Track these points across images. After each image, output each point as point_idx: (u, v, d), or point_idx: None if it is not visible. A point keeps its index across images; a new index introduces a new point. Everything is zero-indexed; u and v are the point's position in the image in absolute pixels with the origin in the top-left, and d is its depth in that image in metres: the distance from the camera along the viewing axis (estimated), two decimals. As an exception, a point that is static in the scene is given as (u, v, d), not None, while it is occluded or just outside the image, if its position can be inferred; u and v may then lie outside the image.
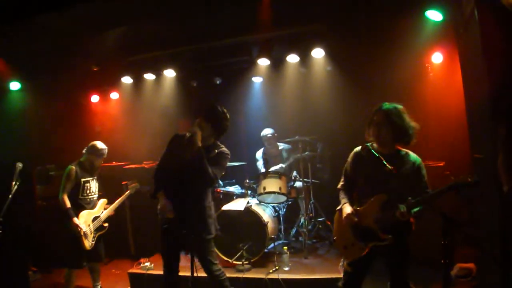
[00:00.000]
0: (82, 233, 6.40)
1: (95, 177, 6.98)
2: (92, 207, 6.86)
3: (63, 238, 6.57)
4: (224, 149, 5.35)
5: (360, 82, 8.50)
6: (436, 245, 3.45)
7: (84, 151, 6.92)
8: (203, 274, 5.29)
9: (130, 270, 7.46)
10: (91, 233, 6.63)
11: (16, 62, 8.57)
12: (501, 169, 4.12)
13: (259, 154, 9.06)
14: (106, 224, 6.97)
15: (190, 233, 4.91)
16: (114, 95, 10.49)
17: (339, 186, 4.96)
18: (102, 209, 6.98)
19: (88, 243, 6.54)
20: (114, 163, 9.55)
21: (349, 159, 4.83)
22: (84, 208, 6.69)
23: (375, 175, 4.45)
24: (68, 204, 6.46)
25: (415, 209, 4.10)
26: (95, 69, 9.35)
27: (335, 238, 4.89)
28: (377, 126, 4.46)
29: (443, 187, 3.88)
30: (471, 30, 5.68)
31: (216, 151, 5.26)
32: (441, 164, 7.22)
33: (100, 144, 6.98)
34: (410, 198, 4.07)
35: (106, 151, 7.07)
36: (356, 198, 4.71)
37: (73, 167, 6.68)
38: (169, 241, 5.21)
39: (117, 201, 7.18)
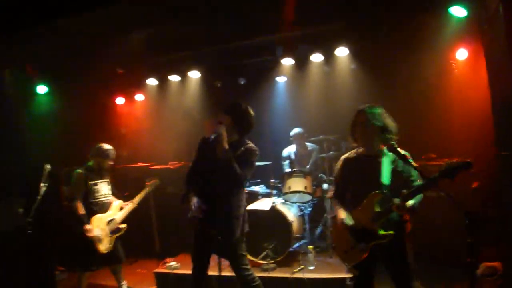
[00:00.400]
0: (95, 238, 6.43)
1: (106, 180, 6.99)
2: (105, 210, 6.85)
3: (77, 240, 6.59)
4: (251, 145, 5.27)
5: (385, 80, 8.46)
6: (461, 244, 3.42)
7: (90, 154, 6.95)
8: (231, 273, 5.29)
9: (156, 270, 7.50)
10: (107, 236, 6.65)
11: (43, 65, 8.70)
12: None
13: (285, 152, 9.09)
14: (123, 226, 6.94)
15: (217, 234, 4.87)
16: (139, 97, 10.55)
17: (330, 195, 5.20)
18: (117, 211, 6.96)
19: (104, 246, 6.57)
20: (139, 164, 9.63)
21: (338, 166, 4.92)
22: (96, 212, 6.68)
23: (368, 176, 4.50)
24: (82, 211, 6.51)
25: (411, 202, 4.16)
26: (120, 72, 9.44)
27: (333, 245, 4.98)
28: (361, 125, 4.59)
29: (435, 175, 3.91)
30: (496, 26, 5.63)
31: (243, 148, 5.17)
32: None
33: (105, 145, 6.98)
34: (404, 190, 4.14)
35: (113, 151, 7.04)
36: (351, 202, 4.69)
37: (80, 171, 6.75)
38: (200, 242, 5.17)
39: (135, 199, 7.14)
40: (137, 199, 7.12)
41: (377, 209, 4.35)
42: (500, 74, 5.65)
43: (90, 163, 6.87)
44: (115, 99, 10.67)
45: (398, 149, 4.20)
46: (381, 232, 4.31)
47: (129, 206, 7.03)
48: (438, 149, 7.44)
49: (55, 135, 8.94)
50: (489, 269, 6.36)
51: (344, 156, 4.90)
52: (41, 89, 9.14)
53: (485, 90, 6.20)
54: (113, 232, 6.75)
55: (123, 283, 7.07)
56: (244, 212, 5.32)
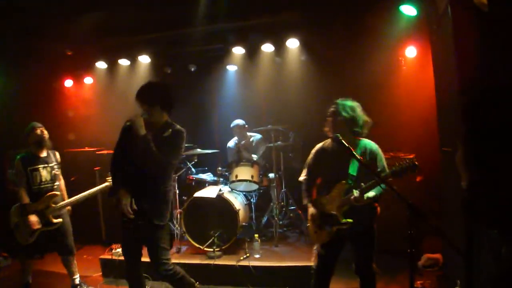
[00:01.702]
0: (13, 227, 6.23)
1: (48, 164, 6.51)
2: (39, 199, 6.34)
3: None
4: (178, 128, 5.01)
5: (334, 73, 8.58)
6: (404, 236, 3.55)
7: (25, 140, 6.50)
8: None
9: (102, 256, 7.47)
10: (27, 227, 6.17)
11: (-12, 45, 8.47)
12: (459, 165, 4.27)
13: (230, 144, 9.11)
14: (57, 221, 6.36)
15: (142, 219, 4.84)
16: (88, 80, 10.40)
17: (301, 178, 5.27)
18: (46, 203, 6.31)
19: (23, 238, 6.23)
20: (86, 149, 9.51)
21: (312, 154, 5.21)
22: (32, 201, 6.25)
23: (338, 166, 4.77)
24: (25, 200, 6.20)
25: (370, 194, 4.50)
26: (69, 53, 9.28)
27: (308, 224, 5.11)
28: (331, 116, 4.86)
29: (387, 173, 4.40)
30: (444, 27, 5.76)
31: (170, 130, 4.96)
32: (411, 156, 7.34)
33: (33, 123, 6.49)
34: (362, 183, 4.49)
35: (35, 123, 6.47)
36: (322, 187, 4.94)
37: (18, 157, 6.39)
38: (129, 234, 5.00)
39: (88, 191, 6.65)
40: (85, 194, 6.61)
41: (343, 198, 4.66)
42: (445, 74, 5.80)
43: (30, 147, 6.46)
44: (63, 81, 10.47)
45: (343, 141, 4.33)
46: (342, 219, 4.62)
47: (66, 202, 6.55)
48: (384, 144, 7.60)
49: (1, 116, 8.71)
50: (430, 260, 6.59)
51: (319, 145, 5.15)
52: (-14, 69, 8.89)
53: (432, 88, 6.37)
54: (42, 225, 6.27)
55: (75, 276, 6.72)
56: (172, 198, 5.20)
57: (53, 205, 6.38)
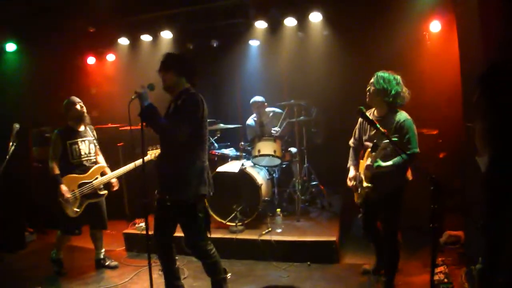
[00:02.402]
0: (61, 200, 6.19)
1: (87, 138, 6.58)
2: (84, 171, 6.46)
3: (56, 202, 6.33)
4: (190, 94, 4.86)
5: (357, 47, 8.52)
6: (427, 212, 3.53)
7: (64, 115, 6.55)
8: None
9: (125, 231, 7.58)
10: (76, 200, 6.30)
11: (12, 23, 8.49)
12: (478, 140, 4.25)
13: (249, 121, 9.11)
14: (103, 192, 6.57)
15: (168, 200, 4.84)
16: (111, 57, 10.44)
17: (350, 142, 5.64)
18: (96, 175, 6.50)
19: (72, 211, 6.27)
20: (110, 125, 9.58)
21: (358, 121, 5.42)
22: (74, 172, 6.36)
23: (371, 135, 5.09)
24: (56, 171, 6.24)
25: (381, 163, 4.82)
26: (91, 30, 9.29)
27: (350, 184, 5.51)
28: (368, 88, 5.04)
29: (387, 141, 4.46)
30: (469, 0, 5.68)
31: (183, 97, 4.84)
32: (435, 133, 7.28)
33: (70, 98, 6.53)
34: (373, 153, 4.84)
35: (74, 98, 6.51)
36: (363, 153, 5.25)
37: (56, 131, 6.44)
38: (159, 211, 5.01)
39: (128, 166, 6.57)
40: (126, 168, 6.60)
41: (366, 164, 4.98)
42: (471, 48, 5.71)
43: (69, 122, 6.50)
44: (86, 59, 10.51)
45: (365, 113, 4.60)
46: (364, 183, 5.06)
47: (111, 174, 6.61)
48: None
49: (25, 94, 8.77)
50: (452, 238, 6.54)
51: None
52: (10, 47, 8.92)
53: (456, 63, 6.28)
54: (85, 196, 6.37)
55: (101, 250, 6.87)
56: (201, 174, 4.91)
57: (101, 177, 6.53)
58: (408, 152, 4.64)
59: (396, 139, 4.44)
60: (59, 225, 6.56)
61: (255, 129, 8.78)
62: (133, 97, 4.70)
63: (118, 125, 9.41)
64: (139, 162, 6.05)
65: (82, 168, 6.45)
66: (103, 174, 6.63)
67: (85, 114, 6.59)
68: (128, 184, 8.77)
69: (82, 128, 6.58)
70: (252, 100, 8.78)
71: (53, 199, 6.32)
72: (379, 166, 4.81)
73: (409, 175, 5.03)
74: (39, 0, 7.75)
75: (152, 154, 6.24)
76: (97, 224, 6.69)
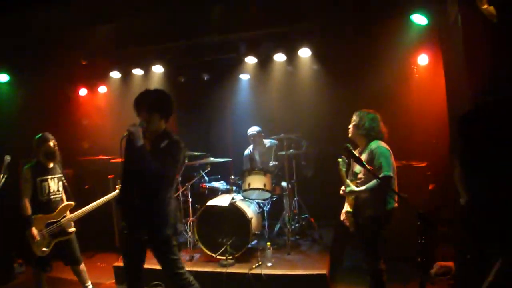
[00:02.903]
0: (29, 239, 6.12)
1: (56, 176, 6.52)
2: (55, 209, 6.40)
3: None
4: (175, 138, 4.91)
5: (346, 81, 8.63)
6: (416, 243, 3.57)
7: (33, 150, 6.48)
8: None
9: (115, 264, 7.52)
10: (44, 239, 6.22)
11: (4, 54, 8.55)
12: (457, 183, 4.38)
13: (246, 151, 9.18)
14: (71, 229, 6.50)
15: (145, 234, 4.81)
16: (102, 89, 10.49)
17: None
18: (63, 213, 6.45)
19: (38, 249, 6.18)
20: (101, 157, 9.60)
21: None
22: (43, 212, 6.29)
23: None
24: (29, 211, 6.14)
25: (353, 188, 5.33)
26: (83, 63, 9.36)
27: None
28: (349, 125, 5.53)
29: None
30: (454, 36, 5.79)
31: (167, 141, 4.86)
32: (424, 165, 7.35)
33: (44, 134, 6.48)
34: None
35: (47, 134, 6.47)
36: None
37: (27, 166, 6.33)
38: (132, 248, 4.94)
39: (91, 205, 6.64)
40: (94, 204, 6.63)
41: None
42: (457, 82, 5.83)
43: (39, 158, 6.44)
44: (78, 90, 10.57)
45: (374, 142, 5.27)
46: (346, 209, 5.47)
47: (81, 211, 6.57)
48: (397, 152, 7.60)
49: (16, 126, 8.80)
50: (443, 269, 6.56)
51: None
52: (2, 77, 8.97)
53: (444, 95, 6.39)
54: (53, 235, 6.31)
55: (87, 284, 6.77)
56: (176, 212, 5.06)
57: (69, 215, 6.46)
58: (380, 176, 4.97)
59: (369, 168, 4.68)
60: (30, 263, 6.53)
61: (252, 159, 8.82)
62: (125, 134, 4.65)
63: (109, 157, 9.42)
64: (104, 198, 6.57)
65: (50, 205, 6.39)
66: (71, 211, 6.58)
67: (57, 152, 6.54)
68: (118, 215, 8.75)
69: (51, 165, 6.53)
70: (249, 131, 8.87)
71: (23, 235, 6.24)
72: (351, 191, 5.31)
73: (394, 203, 5.23)
74: (33, 32, 7.80)
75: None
76: (70, 260, 6.59)
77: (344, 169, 5.48)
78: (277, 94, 9.71)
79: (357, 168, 5.44)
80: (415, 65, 8.12)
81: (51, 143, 6.43)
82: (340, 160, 5.46)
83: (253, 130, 8.83)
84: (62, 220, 6.38)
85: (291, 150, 8.31)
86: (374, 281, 5.33)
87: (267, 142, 9.02)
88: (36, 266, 6.40)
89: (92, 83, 10.46)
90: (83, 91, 10.62)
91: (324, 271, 6.53)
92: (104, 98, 10.61)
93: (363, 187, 5.22)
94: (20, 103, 8.98)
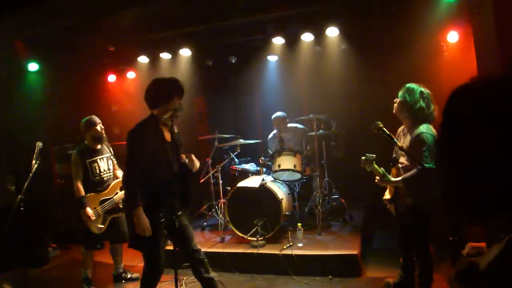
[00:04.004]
0: (85, 218, 6.25)
1: (106, 155, 6.71)
2: (105, 188, 6.60)
3: (78, 219, 6.42)
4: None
5: (375, 60, 8.53)
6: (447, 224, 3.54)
7: (81, 133, 6.66)
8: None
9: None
10: (99, 216, 6.43)
11: (34, 43, 8.65)
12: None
13: (270, 136, 9.14)
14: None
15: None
16: (131, 75, 10.57)
17: None
18: (116, 190, 6.64)
19: (96, 227, 6.36)
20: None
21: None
22: (96, 191, 6.49)
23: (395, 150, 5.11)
24: (82, 192, 6.30)
25: (390, 179, 4.86)
26: (111, 49, 9.42)
27: None
28: (395, 100, 4.94)
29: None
30: (485, 10, 5.68)
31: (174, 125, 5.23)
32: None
33: (86, 118, 6.61)
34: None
35: (94, 118, 6.60)
36: None
37: (74, 151, 6.52)
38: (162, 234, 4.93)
39: None
40: None
41: None
42: (488, 58, 5.72)
43: (86, 141, 6.59)
44: (106, 77, 10.67)
45: (421, 126, 4.67)
46: (385, 195, 5.20)
47: None
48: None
49: (47, 113, 8.92)
50: (475, 249, 6.45)
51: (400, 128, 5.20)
52: (32, 66, 9.08)
53: (475, 73, 6.28)
54: (107, 212, 6.51)
55: (120, 265, 6.97)
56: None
57: (121, 192, 6.61)
58: (419, 167, 4.51)
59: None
60: (82, 242, 6.64)
61: (275, 144, 8.76)
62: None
63: (139, 141, 9.48)
64: None
65: (102, 185, 6.57)
66: (122, 188, 6.67)
67: (104, 135, 6.70)
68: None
69: (99, 147, 6.67)
70: (273, 116, 8.79)
71: (75, 215, 6.42)
72: (388, 181, 4.85)
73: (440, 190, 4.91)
74: (60, 20, 7.85)
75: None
76: (118, 238, 6.73)
77: (372, 167, 4.84)
78: (305, 75, 9.66)
79: (398, 151, 5.06)
80: (445, 43, 7.97)
81: (98, 127, 6.59)
82: (363, 158, 4.85)
83: (277, 114, 8.77)
84: (114, 197, 6.58)
85: (321, 131, 8.26)
86: (423, 268, 5.07)
87: (291, 127, 8.94)
88: (89, 244, 6.57)
89: (120, 69, 10.56)
90: (111, 77, 10.73)
91: (355, 251, 6.51)
92: (132, 84, 10.67)
93: (400, 178, 4.80)
94: (50, 91, 9.10)
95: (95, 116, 6.66)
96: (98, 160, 6.59)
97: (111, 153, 6.85)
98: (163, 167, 4.89)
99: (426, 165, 4.44)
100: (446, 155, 1.36)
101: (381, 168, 4.87)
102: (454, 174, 1.30)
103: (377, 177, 4.89)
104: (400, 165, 4.95)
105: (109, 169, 6.71)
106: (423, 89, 4.78)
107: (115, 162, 6.88)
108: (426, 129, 4.67)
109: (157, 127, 5.04)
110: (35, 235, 7.97)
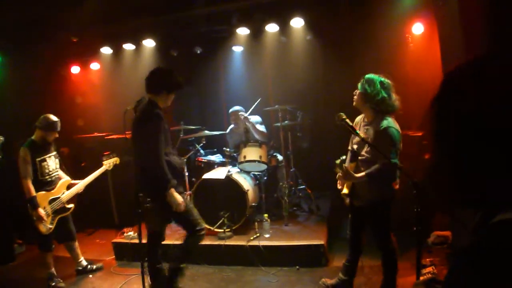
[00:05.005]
0: (34, 218, 6.17)
1: (52, 154, 6.57)
2: (55, 187, 6.50)
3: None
4: None
5: (340, 51, 8.57)
6: (413, 213, 3.58)
7: (35, 125, 6.42)
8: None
9: (114, 240, 7.56)
10: (48, 216, 6.30)
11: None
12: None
13: (228, 130, 9.07)
14: (70, 206, 6.63)
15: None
16: (95, 66, 10.41)
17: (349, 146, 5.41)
18: (63, 190, 6.57)
19: (45, 227, 6.25)
20: (95, 134, 9.56)
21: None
22: (45, 190, 6.36)
23: (354, 141, 5.05)
24: (33, 192, 6.14)
25: (352, 175, 4.76)
26: (74, 40, 9.27)
27: None
28: (355, 92, 4.87)
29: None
30: (450, 2, 5.74)
31: None
32: (420, 134, 7.33)
33: (51, 117, 6.42)
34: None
35: (59, 124, 6.46)
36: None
37: (25, 148, 6.25)
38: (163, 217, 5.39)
39: (89, 177, 6.80)
40: (87, 180, 6.77)
41: None
42: (452, 51, 5.78)
43: (34, 137, 6.41)
44: (70, 68, 10.49)
45: (385, 119, 4.62)
46: (343, 190, 5.03)
47: (76, 187, 6.67)
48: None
49: (9, 105, 8.76)
50: (440, 238, 6.58)
51: (357, 118, 5.16)
52: (-6, 58, 8.91)
53: (440, 65, 6.33)
54: (56, 212, 6.43)
55: (80, 259, 6.96)
56: None
57: (67, 191, 6.55)
58: (385, 162, 4.47)
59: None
60: (38, 244, 6.57)
61: (235, 138, 8.75)
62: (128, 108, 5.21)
63: (104, 133, 9.39)
64: (98, 171, 6.74)
65: (50, 184, 6.46)
66: (69, 187, 6.67)
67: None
68: (116, 193, 8.77)
69: (47, 144, 6.54)
70: (230, 110, 8.78)
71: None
72: (351, 177, 4.78)
73: (396, 186, 4.89)
74: (22, 12, 7.71)
75: (110, 164, 6.87)
76: (67, 237, 6.75)
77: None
78: (271, 66, 9.67)
79: (357, 144, 4.94)
80: (410, 34, 8.04)
81: (56, 135, 6.52)
82: (337, 162, 4.95)
83: (234, 108, 8.71)
84: (62, 196, 6.48)
85: (286, 121, 8.28)
86: (387, 260, 5.18)
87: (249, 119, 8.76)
88: (43, 246, 6.50)
89: (84, 60, 10.38)
90: (75, 69, 10.54)
91: (321, 242, 6.56)
92: (96, 75, 10.53)
93: (363, 174, 4.68)
94: (12, 83, 8.91)
95: (59, 122, 6.50)
96: (47, 159, 6.46)
97: (56, 151, 6.75)
98: (171, 149, 5.31)
99: (392, 160, 4.39)
100: (445, 146, 1.27)
101: (344, 164, 4.86)
102: (458, 164, 1.21)
103: (339, 173, 4.88)
104: (361, 157, 4.86)
105: (56, 168, 6.62)
106: (383, 79, 4.72)
107: (60, 160, 6.79)
108: (391, 124, 4.65)
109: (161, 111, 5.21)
110: (0, 232, 7.85)
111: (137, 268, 5.47)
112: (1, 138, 6.18)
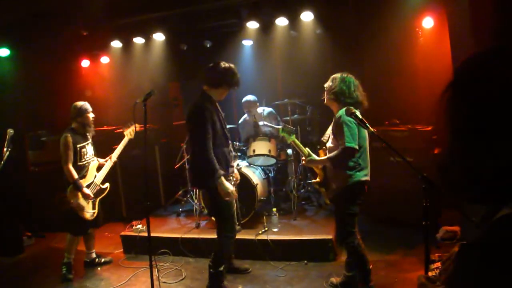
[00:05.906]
0: (75, 207, 6.33)
1: (90, 141, 6.77)
2: (86, 173, 6.62)
3: (65, 207, 6.45)
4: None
5: (350, 45, 8.51)
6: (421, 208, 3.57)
7: (70, 117, 6.62)
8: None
9: (122, 233, 7.58)
10: (88, 203, 6.50)
11: (4, 28, 8.49)
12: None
13: (240, 121, 9.13)
14: (105, 186, 6.85)
15: None
16: (105, 59, 10.42)
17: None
18: (94, 173, 6.72)
19: (89, 213, 6.48)
20: (105, 128, 9.58)
21: None
22: (84, 176, 6.52)
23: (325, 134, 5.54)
24: (75, 175, 6.31)
25: (314, 157, 5.25)
26: (84, 34, 9.28)
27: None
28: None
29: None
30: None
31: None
32: (429, 129, 7.30)
33: (78, 103, 6.64)
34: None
35: (87, 104, 6.69)
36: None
37: (67, 134, 6.40)
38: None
39: (114, 154, 6.91)
40: (115, 153, 6.91)
41: None
42: (462, 45, 5.75)
43: (73, 125, 6.57)
44: (80, 62, 10.50)
45: (356, 113, 4.68)
46: (314, 179, 5.58)
47: (108, 163, 6.86)
48: (402, 115, 7.55)
49: (19, 99, 8.79)
50: (448, 233, 6.56)
51: None
52: (3, 52, 8.91)
53: (449, 59, 6.30)
54: (95, 195, 6.61)
55: (92, 250, 7.02)
56: None
57: (98, 173, 6.79)
58: (341, 147, 4.78)
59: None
60: (70, 228, 6.65)
61: (247, 129, 8.74)
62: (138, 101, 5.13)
63: (114, 127, 9.40)
64: (122, 143, 6.81)
65: (85, 169, 6.59)
66: (99, 168, 6.81)
67: (92, 124, 6.77)
68: (125, 186, 8.80)
69: (86, 133, 6.70)
70: (243, 99, 8.76)
71: (56, 203, 6.43)
72: (311, 160, 5.21)
73: (364, 176, 4.99)
74: (32, 5, 7.72)
75: (132, 132, 6.85)
76: (97, 222, 6.82)
77: (292, 138, 5.61)
78: (280, 59, 9.66)
79: (326, 134, 5.37)
80: (420, 28, 7.99)
81: (91, 117, 6.70)
82: (280, 130, 5.65)
83: (247, 98, 8.73)
84: (95, 180, 6.68)
85: (296, 116, 8.26)
86: (350, 257, 5.25)
87: (261, 110, 8.83)
88: (79, 229, 6.66)
89: (94, 54, 10.39)
90: (85, 63, 10.55)
91: (330, 236, 6.54)
92: (106, 68, 10.55)
93: (324, 157, 5.09)
94: (22, 77, 8.93)
95: (87, 103, 6.71)
96: (86, 146, 6.64)
97: (91, 138, 6.87)
98: (222, 140, 5.49)
99: (347, 144, 4.72)
100: (456, 135, 1.23)
101: (306, 148, 5.28)
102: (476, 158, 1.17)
103: (302, 158, 5.29)
104: (325, 147, 5.23)
105: (93, 154, 6.79)
106: (345, 76, 5.06)
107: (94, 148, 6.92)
108: (343, 112, 4.84)
109: (214, 104, 5.58)
110: (9, 224, 7.89)
111: (145, 261, 5.48)
112: (11, 131, 6.20)
